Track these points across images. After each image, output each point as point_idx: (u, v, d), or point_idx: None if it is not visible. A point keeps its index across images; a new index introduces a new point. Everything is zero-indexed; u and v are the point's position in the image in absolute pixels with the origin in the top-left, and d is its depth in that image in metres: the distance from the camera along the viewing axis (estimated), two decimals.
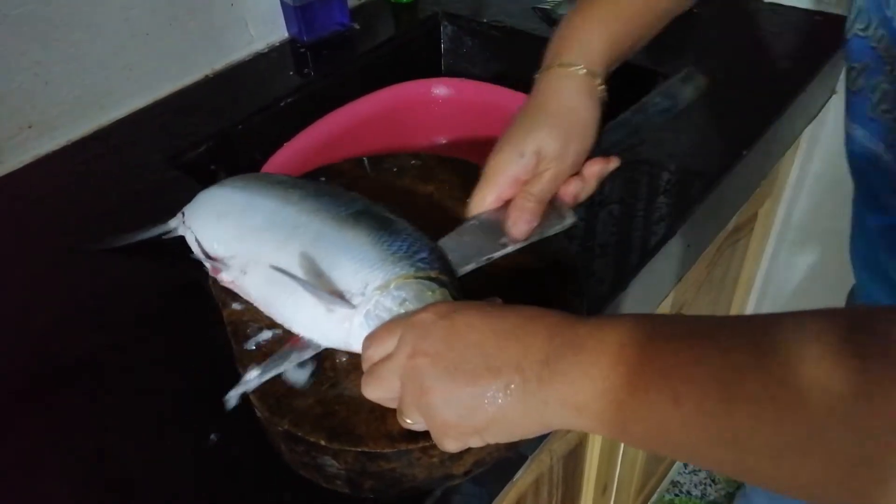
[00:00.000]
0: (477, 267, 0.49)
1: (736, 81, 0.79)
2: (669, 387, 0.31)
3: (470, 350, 0.36)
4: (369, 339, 0.41)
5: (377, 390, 0.40)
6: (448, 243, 0.50)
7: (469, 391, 0.36)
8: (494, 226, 0.50)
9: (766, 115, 0.74)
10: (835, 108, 0.97)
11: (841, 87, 0.93)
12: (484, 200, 0.51)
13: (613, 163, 0.53)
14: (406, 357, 0.38)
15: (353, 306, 0.44)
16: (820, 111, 0.92)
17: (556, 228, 0.51)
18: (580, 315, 0.37)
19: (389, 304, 0.43)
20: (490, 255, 0.49)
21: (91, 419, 0.51)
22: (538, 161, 0.49)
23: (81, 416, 0.51)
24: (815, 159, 1.05)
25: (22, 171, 0.74)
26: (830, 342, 0.27)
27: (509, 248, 0.49)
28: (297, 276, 0.45)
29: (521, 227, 0.49)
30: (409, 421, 0.39)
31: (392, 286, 0.44)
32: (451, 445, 0.38)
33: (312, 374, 0.45)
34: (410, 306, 0.43)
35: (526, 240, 0.50)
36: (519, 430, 0.37)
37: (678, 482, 1.32)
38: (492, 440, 0.38)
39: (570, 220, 0.51)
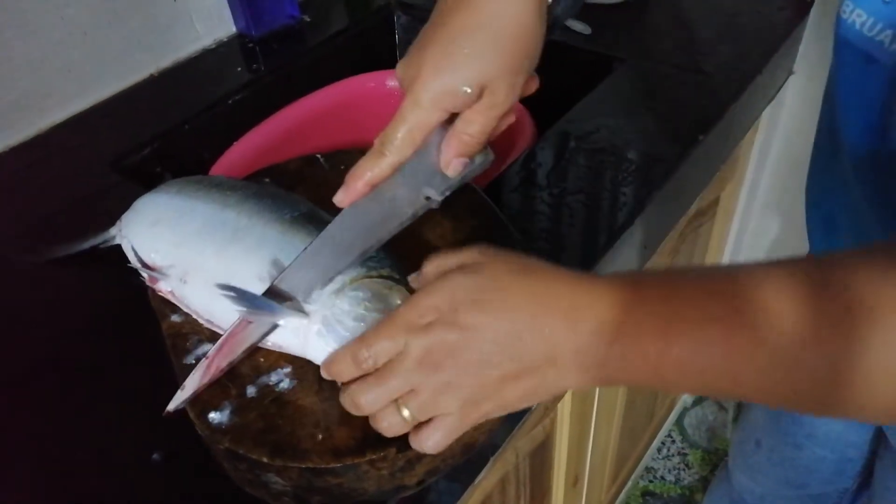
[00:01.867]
0: (400, 228, 0.43)
1: (692, 65, 0.78)
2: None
3: (493, 354, 0.36)
4: (361, 343, 0.38)
5: (381, 394, 0.37)
6: (364, 208, 0.43)
7: (509, 389, 0.36)
8: (414, 172, 0.43)
9: (723, 98, 0.73)
10: (792, 89, 0.97)
11: (798, 67, 0.93)
12: (413, 137, 0.42)
13: (535, 84, 0.46)
14: (418, 361, 0.36)
15: (306, 314, 0.42)
16: (778, 92, 0.92)
17: (479, 168, 0.44)
18: (574, 278, 0.38)
19: (347, 307, 0.42)
20: (413, 213, 0.43)
21: (29, 439, 0.48)
22: (480, 96, 0.41)
23: (17, 436, 0.49)
24: (774, 141, 1.04)
25: None
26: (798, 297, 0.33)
27: (433, 202, 0.43)
28: (242, 291, 0.43)
29: (456, 167, 0.42)
30: (406, 416, 0.37)
31: (347, 288, 0.42)
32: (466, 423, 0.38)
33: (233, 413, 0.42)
34: (370, 305, 0.42)
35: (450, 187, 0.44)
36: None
37: (652, 468, 1.33)
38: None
39: (490, 156, 0.45)
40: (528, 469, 0.71)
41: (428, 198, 0.43)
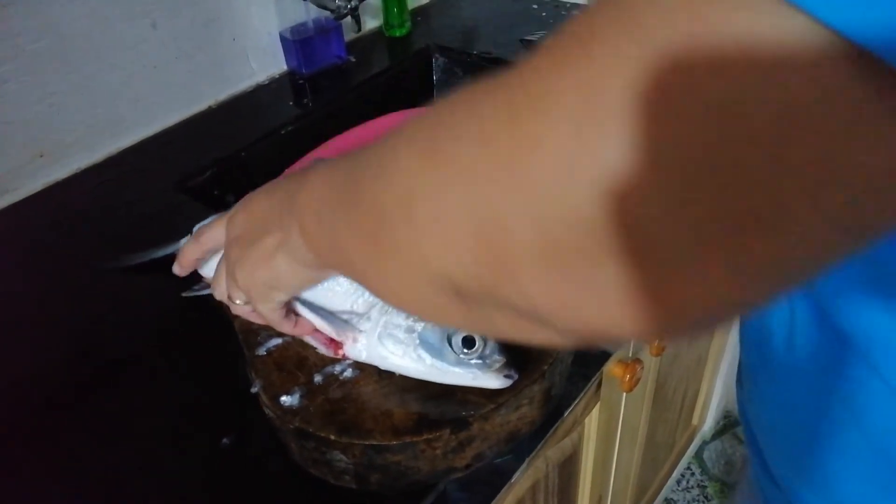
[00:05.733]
0: None
1: None
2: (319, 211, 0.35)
3: (256, 223, 0.42)
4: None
5: (219, 288, 0.47)
6: None
7: (256, 253, 0.41)
8: None
9: None
10: None
11: None
12: None
13: None
14: (225, 253, 0.45)
15: (363, 331, 0.47)
16: None
17: None
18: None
19: (399, 321, 0.46)
20: None
21: (109, 427, 0.53)
22: None
23: (100, 424, 0.53)
24: None
25: (34, 197, 0.77)
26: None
27: None
28: (313, 309, 0.48)
29: None
30: (237, 302, 0.45)
31: None
32: (263, 308, 0.44)
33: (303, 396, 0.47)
34: (417, 317, 0.46)
35: None
36: (298, 277, 0.42)
37: (671, 499, 1.34)
38: (288, 291, 0.43)
39: None
40: (557, 480, 0.74)
41: None
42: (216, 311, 0.57)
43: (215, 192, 0.82)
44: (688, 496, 1.35)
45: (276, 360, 0.49)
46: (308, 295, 0.49)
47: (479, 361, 0.45)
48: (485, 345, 0.45)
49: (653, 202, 0.18)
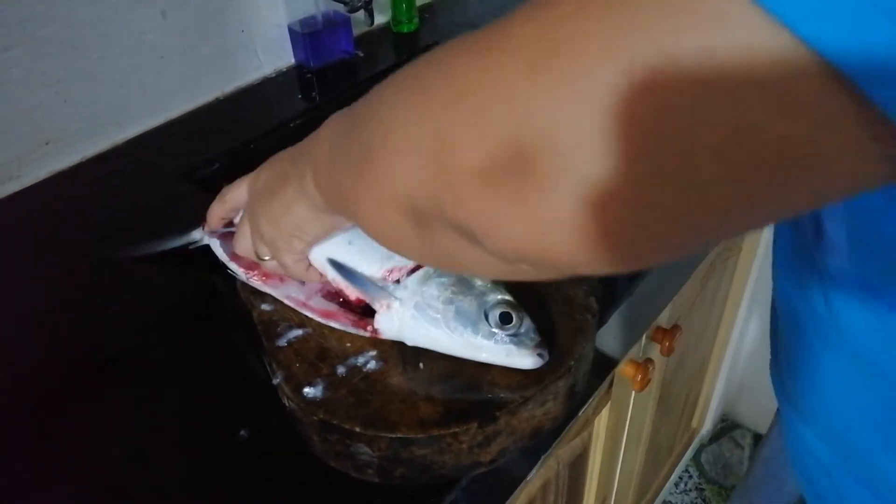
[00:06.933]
0: None
1: None
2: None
3: (277, 177, 0.44)
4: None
5: (242, 243, 0.50)
6: None
7: (277, 202, 0.44)
8: None
9: None
10: None
11: None
12: None
13: None
14: (249, 209, 0.48)
15: (398, 299, 0.47)
16: None
17: None
18: None
19: (436, 293, 0.46)
20: None
21: (120, 418, 0.52)
22: None
23: (111, 415, 0.52)
24: None
25: (39, 185, 0.76)
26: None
27: None
28: (353, 270, 0.48)
29: None
30: (265, 258, 0.49)
31: (434, 275, 0.47)
32: (287, 258, 0.47)
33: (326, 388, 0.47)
34: (456, 289, 0.46)
35: None
36: (316, 223, 0.44)
37: (670, 502, 1.34)
38: (309, 238, 0.46)
39: None
40: (567, 479, 0.74)
41: None
42: (227, 302, 0.56)
43: (223, 184, 0.80)
44: (686, 499, 1.34)
45: (297, 351, 0.48)
46: (345, 259, 0.48)
47: (514, 338, 0.44)
48: (521, 323, 0.45)
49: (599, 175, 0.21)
